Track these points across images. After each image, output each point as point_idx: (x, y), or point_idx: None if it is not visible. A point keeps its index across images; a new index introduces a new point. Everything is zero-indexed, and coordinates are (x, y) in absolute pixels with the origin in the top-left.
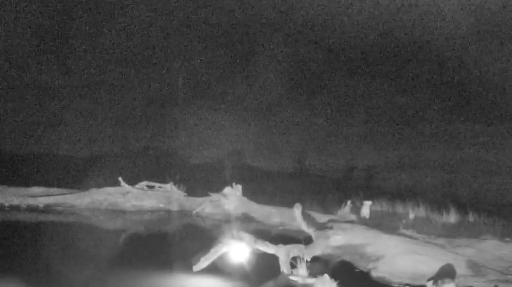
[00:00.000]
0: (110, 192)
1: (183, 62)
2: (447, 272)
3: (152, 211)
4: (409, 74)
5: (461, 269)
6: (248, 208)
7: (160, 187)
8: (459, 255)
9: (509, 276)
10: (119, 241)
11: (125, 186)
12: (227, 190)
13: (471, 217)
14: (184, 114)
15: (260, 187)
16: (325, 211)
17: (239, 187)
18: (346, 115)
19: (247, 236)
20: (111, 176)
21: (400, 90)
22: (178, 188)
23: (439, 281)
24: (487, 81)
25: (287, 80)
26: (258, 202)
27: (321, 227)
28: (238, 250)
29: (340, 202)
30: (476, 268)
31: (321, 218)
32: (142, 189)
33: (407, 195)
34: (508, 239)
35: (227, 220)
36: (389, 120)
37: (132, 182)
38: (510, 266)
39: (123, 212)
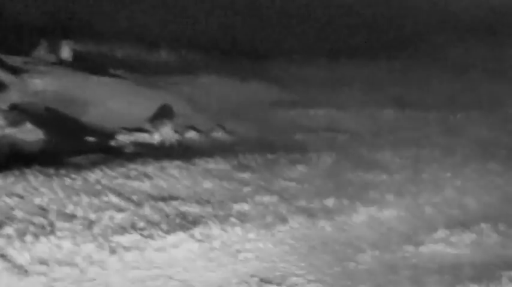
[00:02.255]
0: None
1: None
2: (164, 112)
3: None
4: None
5: (179, 108)
6: None
7: None
8: (176, 94)
9: (228, 114)
10: None
11: None
12: None
13: (185, 54)
14: None
15: None
16: (18, 52)
17: None
18: None
19: None
20: None
21: None
22: None
23: (157, 122)
24: None
25: None
26: None
27: (14, 71)
28: None
29: (35, 41)
30: (195, 105)
31: (12, 60)
32: None
33: (118, 33)
34: (224, 74)
35: None
36: None
37: None
38: (232, 104)
39: None
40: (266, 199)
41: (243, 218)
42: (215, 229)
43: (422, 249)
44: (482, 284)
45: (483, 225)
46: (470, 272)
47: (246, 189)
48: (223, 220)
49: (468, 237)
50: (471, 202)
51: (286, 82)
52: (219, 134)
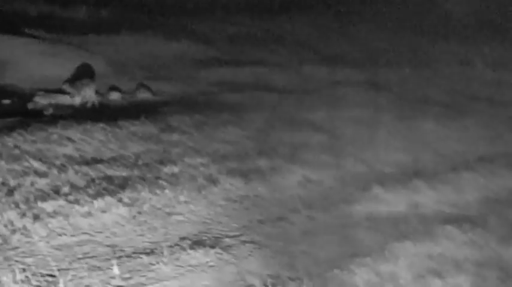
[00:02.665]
0: None
1: None
2: (85, 73)
3: None
4: None
5: (100, 68)
6: None
7: None
8: (96, 53)
9: (153, 74)
10: None
11: None
12: None
13: (105, 12)
14: None
15: None
16: None
17: None
18: None
19: None
20: None
21: None
22: None
23: (77, 83)
24: None
25: None
26: None
27: None
28: None
29: None
30: (116, 65)
31: None
32: None
33: None
34: (148, 32)
35: None
36: None
37: None
38: (156, 64)
39: None
40: (196, 160)
41: (173, 180)
42: (144, 193)
43: (357, 208)
44: (417, 241)
45: (417, 182)
46: (406, 229)
47: (175, 151)
48: (152, 183)
49: (402, 194)
50: (404, 159)
51: (214, 40)
52: (144, 95)
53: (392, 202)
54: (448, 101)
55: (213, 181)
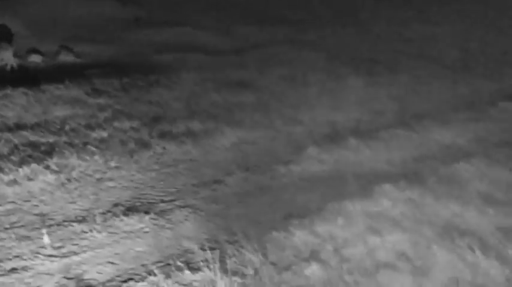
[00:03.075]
0: None
1: None
2: (2, 34)
3: None
4: None
5: (19, 30)
6: None
7: None
8: (14, 14)
9: (76, 35)
10: None
11: None
12: None
13: None
14: None
15: None
16: None
17: None
18: None
19: None
20: None
21: None
22: None
23: None
24: None
25: None
26: None
27: None
28: None
29: None
30: (37, 27)
31: None
32: None
33: None
34: None
35: None
36: None
37: None
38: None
39: None
40: (126, 124)
41: (102, 145)
42: (72, 159)
43: (293, 168)
44: (354, 200)
45: (352, 141)
46: (343, 188)
47: (103, 115)
48: (80, 148)
49: (338, 153)
50: (338, 118)
51: (142, 1)
52: (66, 58)
53: (328, 161)
54: (382, 59)
55: (145, 145)
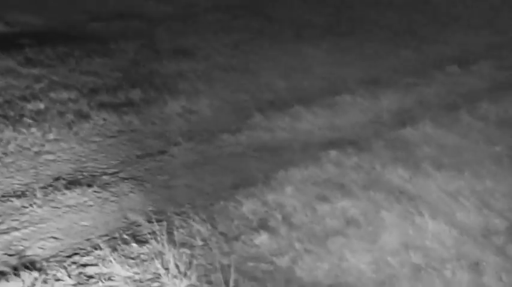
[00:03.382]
0: None
1: None
2: None
3: None
4: None
5: None
6: None
7: None
8: None
9: (4, 2)
10: None
11: None
12: None
13: None
14: None
15: None
16: None
17: None
18: None
19: None
20: None
21: None
22: None
23: None
24: None
25: None
26: None
27: None
28: None
29: None
30: None
31: None
32: None
33: None
34: None
35: None
36: None
37: None
38: None
39: None
40: (63, 95)
41: (38, 117)
42: (7, 132)
43: (239, 136)
44: (302, 168)
45: (298, 108)
46: (290, 156)
47: (39, 86)
48: (16, 121)
49: (284, 121)
50: (284, 85)
51: None
52: None
53: (274, 129)
54: (328, 25)
55: (84, 116)
